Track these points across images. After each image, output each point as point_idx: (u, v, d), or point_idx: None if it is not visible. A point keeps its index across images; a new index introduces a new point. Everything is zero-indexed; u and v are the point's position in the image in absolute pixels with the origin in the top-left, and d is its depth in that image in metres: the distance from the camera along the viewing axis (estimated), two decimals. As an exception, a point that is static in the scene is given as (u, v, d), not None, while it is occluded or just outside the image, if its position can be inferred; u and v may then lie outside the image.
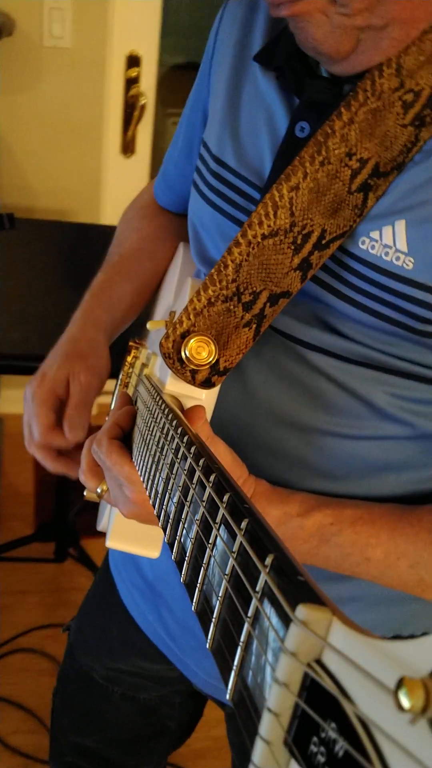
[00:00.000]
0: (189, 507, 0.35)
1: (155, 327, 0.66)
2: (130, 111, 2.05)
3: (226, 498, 0.30)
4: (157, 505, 0.42)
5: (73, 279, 0.74)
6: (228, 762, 0.85)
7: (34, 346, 0.69)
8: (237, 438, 0.58)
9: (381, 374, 0.53)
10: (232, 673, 0.25)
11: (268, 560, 0.24)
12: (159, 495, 0.42)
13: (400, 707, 0.15)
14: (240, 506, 0.29)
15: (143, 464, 0.49)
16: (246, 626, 0.24)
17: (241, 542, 0.26)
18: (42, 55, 1.92)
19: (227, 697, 0.25)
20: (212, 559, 0.30)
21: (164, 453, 0.43)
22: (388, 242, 0.49)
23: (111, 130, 2.07)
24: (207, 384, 0.53)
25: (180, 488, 0.37)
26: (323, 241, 0.50)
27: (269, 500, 0.55)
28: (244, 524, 0.27)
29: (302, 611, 0.20)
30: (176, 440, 0.41)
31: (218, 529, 0.30)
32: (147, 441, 0.49)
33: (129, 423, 0.58)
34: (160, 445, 0.45)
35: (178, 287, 0.72)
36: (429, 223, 0.48)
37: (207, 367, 0.52)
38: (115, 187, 2.14)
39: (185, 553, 0.34)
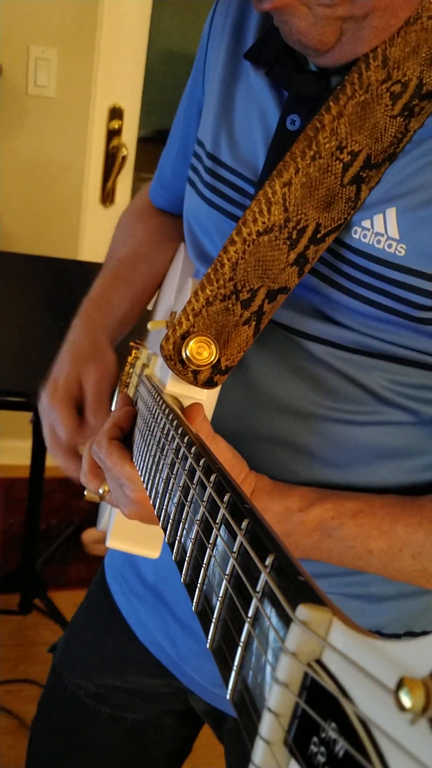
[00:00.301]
0: (189, 507, 0.35)
1: (156, 327, 0.66)
2: (111, 162, 2.08)
3: (226, 498, 0.30)
4: (157, 506, 0.42)
5: (52, 314, 0.74)
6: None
7: (9, 382, 0.68)
8: (240, 430, 0.58)
9: (381, 362, 0.53)
10: (233, 673, 0.25)
11: (269, 560, 0.24)
12: (159, 495, 0.42)
13: (400, 707, 0.15)
14: (240, 506, 0.28)
15: (144, 464, 0.49)
16: (246, 626, 0.24)
17: (241, 542, 0.26)
18: (26, 103, 1.95)
19: (227, 697, 0.25)
20: (213, 559, 0.30)
21: (165, 453, 0.43)
22: (379, 230, 0.49)
23: (92, 180, 2.10)
24: (209, 384, 0.53)
25: (180, 488, 0.37)
26: (318, 235, 0.50)
27: (270, 495, 0.55)
28: (244, 524, 0.27)
29: (302, 611, 0.20)
30: (177, 440, 0.41)
31: (219, 529, 0.30)
32: (147, 441, 0.49)
33: (129, 424, 0.58)
34: (160, 446, 0.45)
35: (179, 287, 0.72)
36: (420, 210, 0.48)
37: (208, 367, 0.52)
38: (94, 234, 2.17)
39: (186, 554, 0.33)
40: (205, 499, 0.32)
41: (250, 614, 0.24)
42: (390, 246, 0.49)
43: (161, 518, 0.41)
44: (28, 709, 0.88)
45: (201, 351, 0.52)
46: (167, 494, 0.40)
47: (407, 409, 0.55)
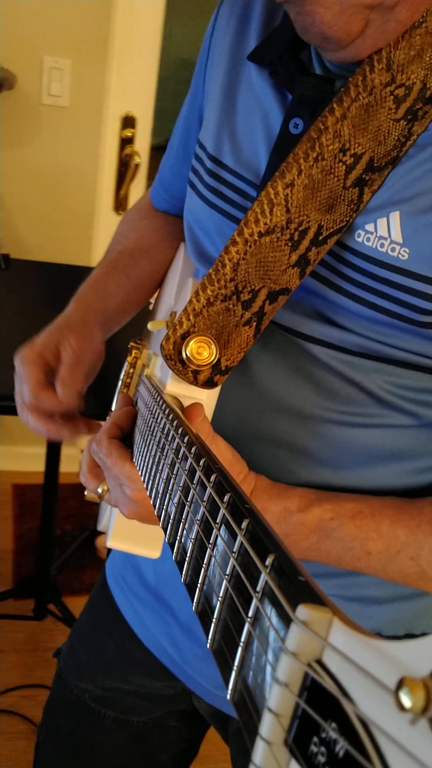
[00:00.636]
0: (190, 507, 0.35)
1: (156, 327, 0.66)
2: (124, 170, 2.10)
3: (226, 498, 0.30)
4: (157, 506, 0.42)
5: None
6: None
7: None
8: (241, 430, 0.58)
9: (382, 365, 0.53)
10: (233, 673, 0.25)
11: (269, 560, 0.24)
12: (160, 495, 0.42)
13: (400, 707, 0.15)
14: (241, 506, 0.28)
15: (144, 464, 0.49)
16: (246, 626, 0.24)
17: (241, 542, 0.26)
18: (40, 112, 1.97)
19: (228, 697, 0.25)
20: (213, 560, 0.30)
21: (165, 453, 0.43)
22: (383, 234, 0.49)
23: (104, 188, 2.11)
24: (209, 384, 0.53)
25: (181, 488, 0.37)
26: (320, 237, 0.50)
27: (269, 495, 0.55)
28: (244, 524, 0.27)
29: (303, 611, 0.20)
30: (177, 440, 0.41)
31: (219, 530, 0.30)
32: (148, 441, 0.49)
33: (128, 423, 0.58)
34: (160, 446, 0.45)
35: (179, 287, 0.72)
36: (424, 214, 0.48)
37: (208, 367, 0.52)
38: (107, 242, 2.15)
39: (186, 554, 0.33)
40: (205, 499, 0.32)
41: (250, 614, 0.24)
42: (393, 249, 0.49)
43: (161, 518, 0.41)
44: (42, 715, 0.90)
45: (201, 351, 0.52)
46: (167, 494, 0.40)
47: (408, 412, 0.55)
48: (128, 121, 2.05)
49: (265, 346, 0.56)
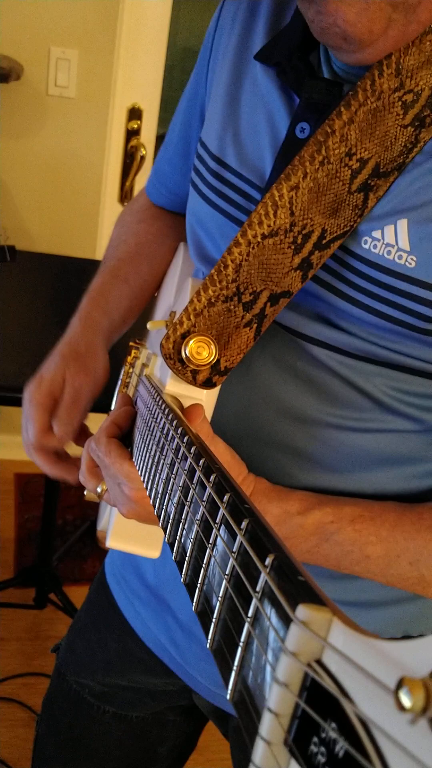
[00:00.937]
0: (189, 507, 0.35)
1: (155, 327, 0.66)
2: (130, 161, 2.10)
3: (226, 498, 0.30)
4: (157, 506, 0.42)
5: (71, 312, 0.76)
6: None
7: (27, 380, 0.70)
8: (240, 432, 0.58)
9: (384, 369, 0.53)
10: (233, 673, 0.25)
11: (269, 560, 0.24)
12: (159, 495, 0.42)
13: (400, 707, 0.15)
14: (240, 506, 0.29)
15: (143, 464, 0.49)
16: (246, 626, 0.24)
17: (241, 542, 0.26)
18: (46, 103, 1.97)
19: (227, 697, 0.25)
20: (212, 559, 0.30)
21: (164, 453, 0.43)
22: (390, 241, 0.49)
23: (110, 179, 2.11)
24: (208, 384, 0.53)
25: (180, 488, 0.37)
26: (324, 241, 0.50)
27: (269, 498, 0.55)
28: (244, 524, 0.27)
29: (302, 611, 0.20)
30: (176, 440, 0.41)
31: (218, 529, 0.30)
32: (147, 441, 0.49)
33: (127, 423, 0.58)
34: (160, 446, 0.45)
35: (179, 287, 0.72)
36: (431, 223, 0.48)
37: (207, 367, 0.52)
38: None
39: (185, 554, 0.34)
40: (204, 499, 0.32)
41: (250, 614, 0.24)
42: (400, 257, 0.48)
43: (161, 518, 0.41)
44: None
45: (201, 351, 0.52)
46: (167, 494, 0.40)
47: (409, 417, 0.55)
48: (134, 113, 2.05)
49: (266, 348, 0.56)
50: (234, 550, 0.27)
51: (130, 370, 0.81)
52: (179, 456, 0.39)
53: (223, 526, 0.29)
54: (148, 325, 0.67)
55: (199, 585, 0.31)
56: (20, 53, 1.89)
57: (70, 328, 0.76)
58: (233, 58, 0.61)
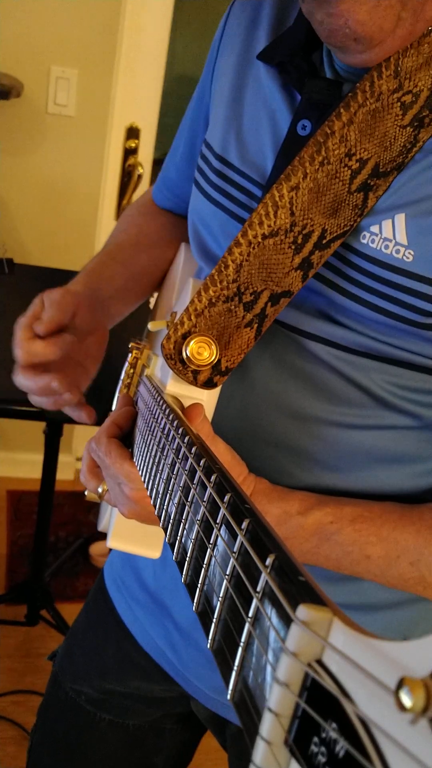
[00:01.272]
0: (190, 507, 0.35)
1: (156, 327, 0.66)
2: (127, 180, 2.11)
3: (227, 498, 0.30)
4: (158, 506, 0.42)
5: None
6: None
7: (24, 392, 0.69)
8: (241, 431, 0.58)
9: (383, 364, 0.53)
10: (233, 673, 0.25)
11: (269, 560, 0.24)
12: (160, 495, 0.42)
13: (400, 707, 0.15)
14: (241, 506, 0.29)
15: (144, 465, 0.49)
16: (247, 626, 0.24)
17: (242, 542, 0.26)
18: (46, 121, 1.99)
19: (228, 697, 0.25)
20: (213, 560, 0.30)
21: (165, 453, 0.43)
22: (387, 236, 0.49)
23: (107, 197, 2.13)
24: (209, 384, 0.53)
25: (181, 488, 0.37)
26: (324, 241, 0.50)
27: (269, 498, 0.55)
28: (245, 524, 0.27)
29: (303, 611, 0.20)
30: (177, 440, 0.41)
31: (219, 530, 0.30)
32: (148, 441, 0.49)
33: (128, 423, 0.58)
34: (161, 446, 0.45)
35: (179, 288, 0.72)
36: (429, 217, 0.48)
37: (208, 367, 0.52)
38: None
39: (186, 554, 0.34)
40: (205, 499, 0.32)
41: (250, 614, 0.24)
42: (398, 251, 0.49)
43: (162, 518, 0.41)
44: (33, 720, 0.89)
45: (201, 351, 0.52)
46: (168, 494, 0.40)
47: (409, 413, 0.55)
48: (132, 132, 2.07)
49: (266, 347, 0.56)
50: (235, 550, 0.27)
51: (131, 371, 0.81)
52: (180, 456, 0.39)
53: (223, 526, 0.29)
54: (149, 326, 0.68)
55: (199, 585, 0.31)
56: (21, 71, 1.91)
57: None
58: (237, 59, 0.61)
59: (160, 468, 0.43)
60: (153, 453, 0.46)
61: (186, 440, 0.39)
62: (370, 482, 0.58)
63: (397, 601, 0.63)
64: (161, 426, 0.46)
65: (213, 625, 0.28)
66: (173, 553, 0.36)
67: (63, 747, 0.84)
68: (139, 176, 2.10)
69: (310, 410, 0.56)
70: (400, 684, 0.16)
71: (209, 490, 0.32)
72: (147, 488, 0.47)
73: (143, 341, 0.84)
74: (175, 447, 0.41)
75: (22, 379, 0.68)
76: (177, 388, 0.54)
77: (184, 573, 0.33)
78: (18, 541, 2.14)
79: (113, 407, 0.83)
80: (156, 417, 0.49)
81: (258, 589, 0.24)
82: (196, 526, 0.33)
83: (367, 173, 0.48)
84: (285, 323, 0.55)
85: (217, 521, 0.30)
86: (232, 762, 0.77)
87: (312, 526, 0.54)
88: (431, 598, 0.56)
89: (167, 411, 0.47)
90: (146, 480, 0.47)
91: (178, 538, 0.36)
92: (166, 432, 0.44)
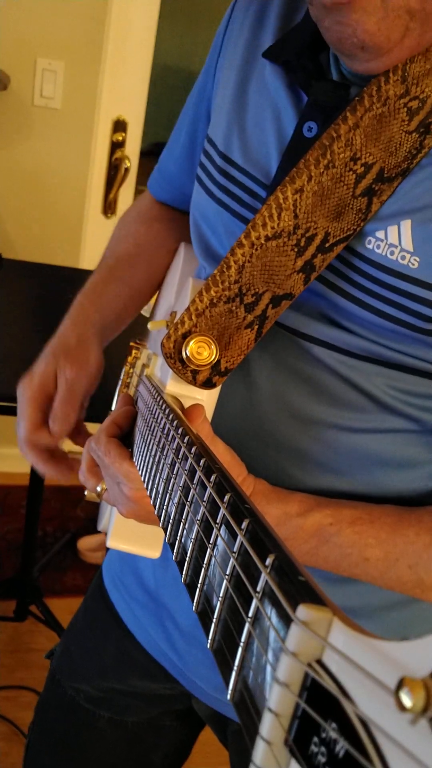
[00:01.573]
0: (190, 507, 0.35)
1: (156, 327, 0.66)
2: (114, 173, 2.11)
3: (227, 498, 0.30)
4: (158, 505, 0.42)
5: (53, 320, 0.75)
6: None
7: (10, 388, 0.69)
8: (241, 432, 0.58)
9: (385, 369, 0.53)
10: (233, 673, 0.25)
11: (269, 560, 0.24)
12: (160, 495, 0.42)
13: (400, 707, 0.15)
14: (241, 506, 0.29)
15: (143, 464, 0.49)
16: (247, 626, 0.24)
17: (241, 542, 0.26)
18: (32, 114, 1.98)
19: (228, 697, 0.25)
20: (213, 560, 0.30)
21: (165, 453, 0.43)
22: (393, 242, 0.49)
23: (94, 191, 2.12)
24: (208, 384, 0.53)
25: (181, 488, 0.37)
26: (327, 244, 0.50)
27: (268, 499, 0.55)
28: (244, 524, 0.27)
29: (303, 611, 0.20)
30: (177, 440, 0.41)
31: (219, 529, 0.30)
32: (147, 441, 0.49)
33: (127, 422, 0.58)
34: (160, 446, 0.45)
35: (179, 287, 0.72)
36: None
37: (208, 367, 0.52)
38: (95, 244, 2.20)
39: (186, 554, 0.34)
40: (205, 499, 0.32)
41: (250, 614, 0.24)
42: (403, 258, 0.49)
43: (162, 518, 0.41)
44: (24, 715, 0.88)
45: (201, 351, 0.52)
46: (167, 494, 0.40)
47: (410, 418, 0.55)
48: (119, 125, 2.06)
49: (267, 349, 0.56)
50: (234, 550, 0.27)
51: (131, 371, 0.82)
52: (180, 456, 0.39)
53: (223, 526, 0.29)
54: (149, 325, 0.68)
55: (199, 585, 0.31)
56: (7, 64, 1.90)
57: (62, 324, 0.75)
58: (242, 55, 0.61)
59: (160, 468, 0.43)
60: (153, 453, 0.46)
61: (186, 440, 0.39)
62: (370, 485, 0.58)
63: (393, 603, 0.63)
64: (161, 426, 0.46)
65: (213, 625, 0.28)
66: (173, 553, 0.36)
67: (61, 745, 0.84)
68: (126, 169, 2.09)
69: (310, 412, 0.56)
70: (400, 684, 0.16)
71: (209, 490, 0.32)
72: (146, 488, 0.47)
73: (143, 341, 0.84)
74: (174, 447, 0.41)
75: (30, 457, 0.72)
76: (177, 388, 0.54)
77: (183, 573, 0.33)
78: (7, 536, 2.14)
79: (113, 407, 0.83)
80: (156, 417, 0.49)
81: (258, 589, 0.24)
82: (196, 526, 0.33)
83: (372, 178, 0.48)
84: (287, 326, 0.55)
85: (217, 521, 0.30)
86: (233, 760, 0.77)
87: (311, 528, 0.54)
88: (429, 600, 0.56)
89: (167, 411, 0.47)
90: (146, 480, 0.47)
91: (178, 538, 0.36)
92: (165, 432, 0.44)
